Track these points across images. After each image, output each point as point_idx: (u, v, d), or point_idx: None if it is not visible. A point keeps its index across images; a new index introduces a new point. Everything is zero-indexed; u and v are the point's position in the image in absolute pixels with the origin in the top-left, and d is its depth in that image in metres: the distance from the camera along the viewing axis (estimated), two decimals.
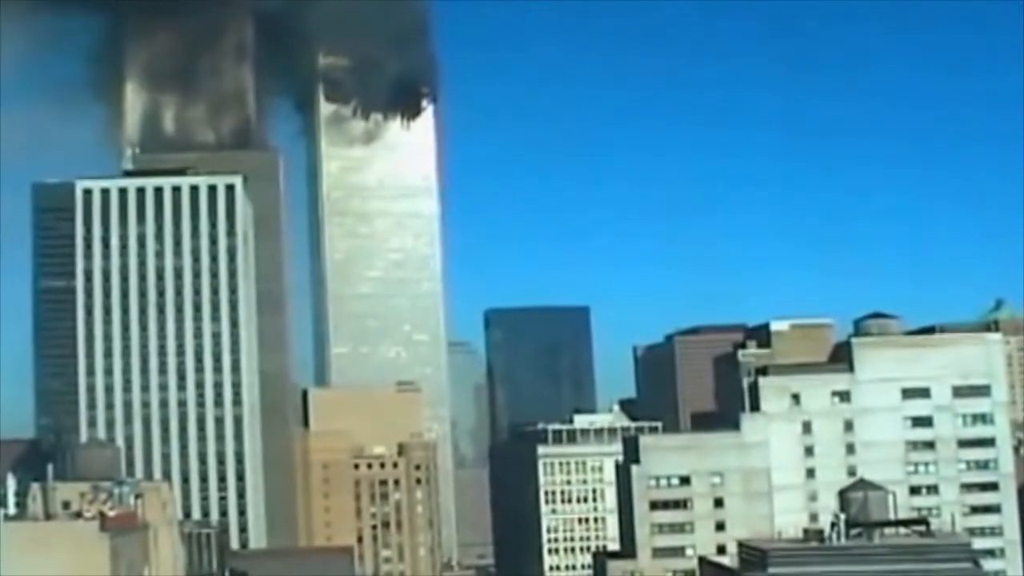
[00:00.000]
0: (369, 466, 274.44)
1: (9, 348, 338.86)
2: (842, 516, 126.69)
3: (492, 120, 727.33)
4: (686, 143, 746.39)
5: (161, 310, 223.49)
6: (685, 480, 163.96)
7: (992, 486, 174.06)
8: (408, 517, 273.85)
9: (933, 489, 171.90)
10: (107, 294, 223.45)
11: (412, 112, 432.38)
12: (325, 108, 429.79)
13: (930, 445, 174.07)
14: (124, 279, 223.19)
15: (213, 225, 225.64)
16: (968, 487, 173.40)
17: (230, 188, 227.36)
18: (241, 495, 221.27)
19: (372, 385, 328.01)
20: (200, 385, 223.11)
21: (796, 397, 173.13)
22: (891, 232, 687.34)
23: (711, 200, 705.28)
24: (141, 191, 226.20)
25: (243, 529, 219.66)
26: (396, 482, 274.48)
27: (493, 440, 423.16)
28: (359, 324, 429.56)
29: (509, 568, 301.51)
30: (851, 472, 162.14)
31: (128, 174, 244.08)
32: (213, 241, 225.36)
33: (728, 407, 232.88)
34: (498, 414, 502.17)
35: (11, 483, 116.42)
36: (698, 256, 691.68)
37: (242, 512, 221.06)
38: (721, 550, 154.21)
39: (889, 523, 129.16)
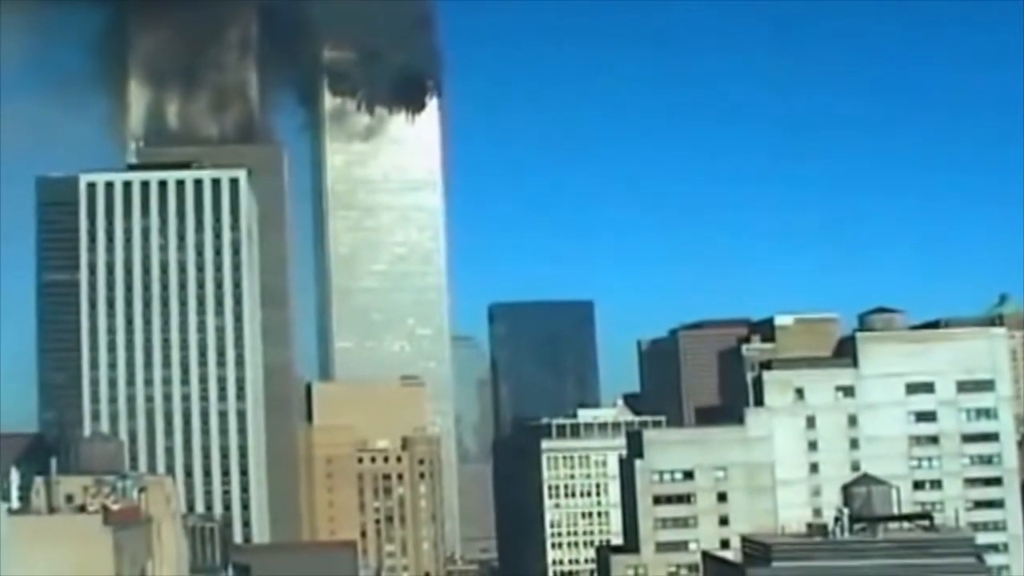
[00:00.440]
0: (373, 460, 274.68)
1: (13, 341, 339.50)
2: (846, 511, 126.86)
3: (497, 114, 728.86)
4: (691, 138, 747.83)
5: (165, 304, 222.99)
6: (689, 475, 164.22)
7: (996, 481, 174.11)
8: (412, 511, 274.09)
9: (937, 484, 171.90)
10: (111, 288, 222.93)
11: (417, 106, 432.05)
12: (329, 102, 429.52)
13: (934, 440, 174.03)
14: (128, 273, 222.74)
15: (217, 219, 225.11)
16: (972, 482, 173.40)
17: (234, 182, 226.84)
18: (244, 489, 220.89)
19: (376, 379, 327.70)
20: (204, 379, 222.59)
21: (800, 392, 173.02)
22: (895, 227, 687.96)
23: (716, 195, 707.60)
24: (145, 185, 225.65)
25: (246, 523, 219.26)
26: (400, 476, 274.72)
27: (497, 434, 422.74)
28: (363, 318, 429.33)
29: (512, 563, 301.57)
30: (855, 467, 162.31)
31: (132, 168, 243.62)
32: (217, 235, 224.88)
33: (732, 401, 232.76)
34: (502, 408, 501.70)
35: (14, 477, 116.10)
36: (702, 251, 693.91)
37: (245, 506, 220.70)
38: (725, 545, 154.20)
39: (893, 518, 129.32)
